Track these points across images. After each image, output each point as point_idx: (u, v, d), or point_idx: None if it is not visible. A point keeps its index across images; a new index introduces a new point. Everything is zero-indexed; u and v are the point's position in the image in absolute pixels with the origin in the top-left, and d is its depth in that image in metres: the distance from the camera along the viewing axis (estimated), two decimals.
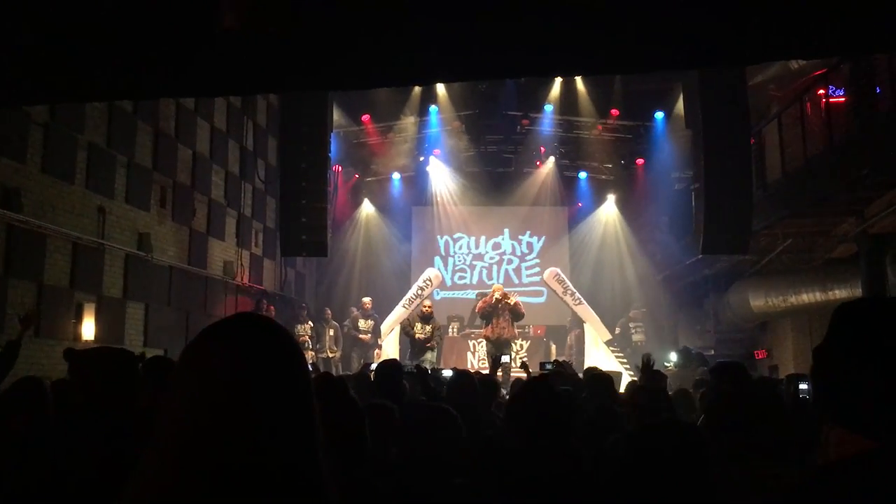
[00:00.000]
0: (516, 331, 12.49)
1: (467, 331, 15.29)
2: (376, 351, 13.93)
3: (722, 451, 2.60)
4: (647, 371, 4.50)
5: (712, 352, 13.19)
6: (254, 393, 1.08)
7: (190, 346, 1.15)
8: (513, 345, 12.60)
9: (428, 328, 12.25)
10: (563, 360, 8.75)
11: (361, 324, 14.05)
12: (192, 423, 1.07)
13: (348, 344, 14.12)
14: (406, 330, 12.69)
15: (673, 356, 11.55)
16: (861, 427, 1.10)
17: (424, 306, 12.78)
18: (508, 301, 11.94)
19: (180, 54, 4.34)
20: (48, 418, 3.36)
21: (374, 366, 6.89)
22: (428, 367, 10.19)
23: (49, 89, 5.13)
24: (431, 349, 12.43)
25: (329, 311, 14.56)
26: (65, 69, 4.65)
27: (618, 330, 14.71)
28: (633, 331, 14.48)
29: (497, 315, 11.86)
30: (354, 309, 14.66)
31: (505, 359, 10.86)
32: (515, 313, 11.93)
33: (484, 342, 12.83)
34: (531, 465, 2.70)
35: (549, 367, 7.70)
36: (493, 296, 12.06)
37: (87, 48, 4.50)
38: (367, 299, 14.50)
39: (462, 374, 5.08)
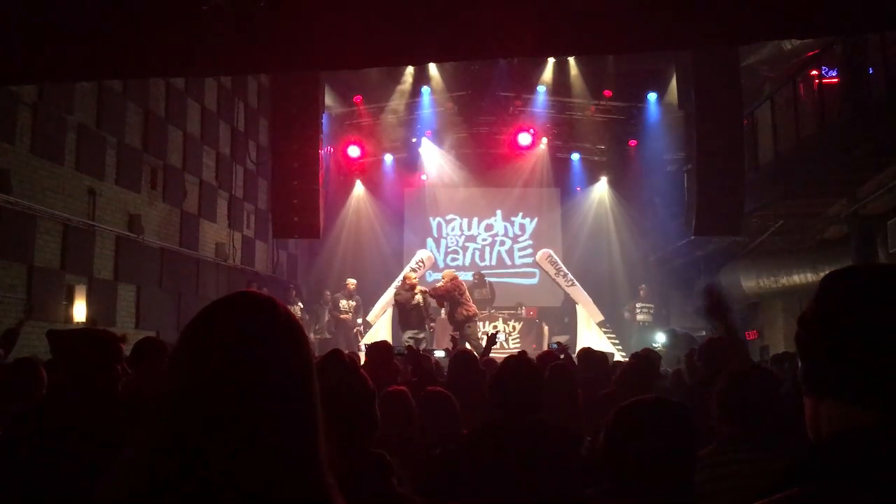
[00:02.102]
0: (456, 310, 12.27)
1: None
2: (357, 329, 13.96)
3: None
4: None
5: (703, 332, 13.23)
6: (252, 371, 1.07)
7: (190, 324, 1.14)
8: (477, 324, 12.44)
9: (418, 296, 12.15)
10: (562, 343, 8.81)
11: (343, 304, 14.03)
12: (188, 400, 1.06)
13: (333, 326, 14.13)
14: (406, 303, 12.47)
15: (661, 337, 11.60)
16: (857, 399, 1.06)
17: (408, 279, 12.60)
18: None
19: (168, 32, 4.30)
20: (42, 398, 3.38)
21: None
22: (423, 346, 10.22)
23: (37, 69, 5.08)
24: (432, 319, 12.47)
25: (328, 294, 14.52)
26: (52, 48, 4.60)
27: (626, 314, 14.81)
28: (638, 311, 14.50)
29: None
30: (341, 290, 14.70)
31: (500, 337, 10.87)
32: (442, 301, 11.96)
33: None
34: (511, 439, 2.74)
35: (554, 347, 7.83)
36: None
37: (74, 27, 4.44)
38: (351, 280, 14.47)
39: (462, 355, 5.10)
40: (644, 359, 5.16)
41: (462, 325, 11.69)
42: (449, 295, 11.83)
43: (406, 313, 12.06)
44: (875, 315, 1.07)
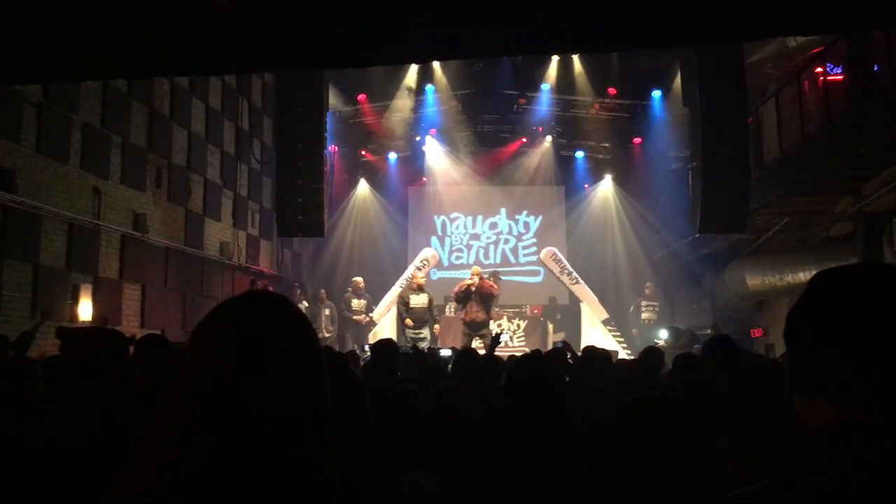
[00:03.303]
0: (493, 312, 12.16)
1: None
2: (372, 329, 13.97)
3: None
4: None
5: (709, 330, 13.22)
6: (264, 369, 1.08)
7: (202, 323, 1.14)
8: (491, 327, 12.29)
9: (423, 296, 12.19)
10: (566, 342, 8.82)
11: (354, 304, 14.02)
12: (201, 397, 1.06)
13: (342, 325, 14.12)
14: (402, 301, 12.49)
15: (663, 333, 11.60)
16: (835, 396, 1.06)
17: (415, 279, 12.71)
18: (475, 286, 11.77)
19: (173, 32, 4.30)
20: (39, 398, 3.36)
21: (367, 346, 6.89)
22: (425, 346, 10.23)
23: (42, 68, 5.08)
24: (435, 321, 12.50)
25: (324, 292, 14.54)
26: (57, 48, 4.61)
27: (631, 308, 14.77)
28: (643, 309, 14.50)
29: (470, 299, 11.76)
30: (350, 289, 14.69)
31: (504, 337, 10.86)
32: (482, 296, 11.71)
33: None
34: (528, 440, 2.71)
35: (559, 345, 7.86)
36: (471, 279, 11.97)
37: (80, 26, 4.45)
38: (358, 279, 14.45)
39: (466, 352, 5.11)
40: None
41: (482, 326, 11.71)
42: (496, 298, 11.88)
43: (411, 312, 12.09)
44: (856, 314, 1.07)
